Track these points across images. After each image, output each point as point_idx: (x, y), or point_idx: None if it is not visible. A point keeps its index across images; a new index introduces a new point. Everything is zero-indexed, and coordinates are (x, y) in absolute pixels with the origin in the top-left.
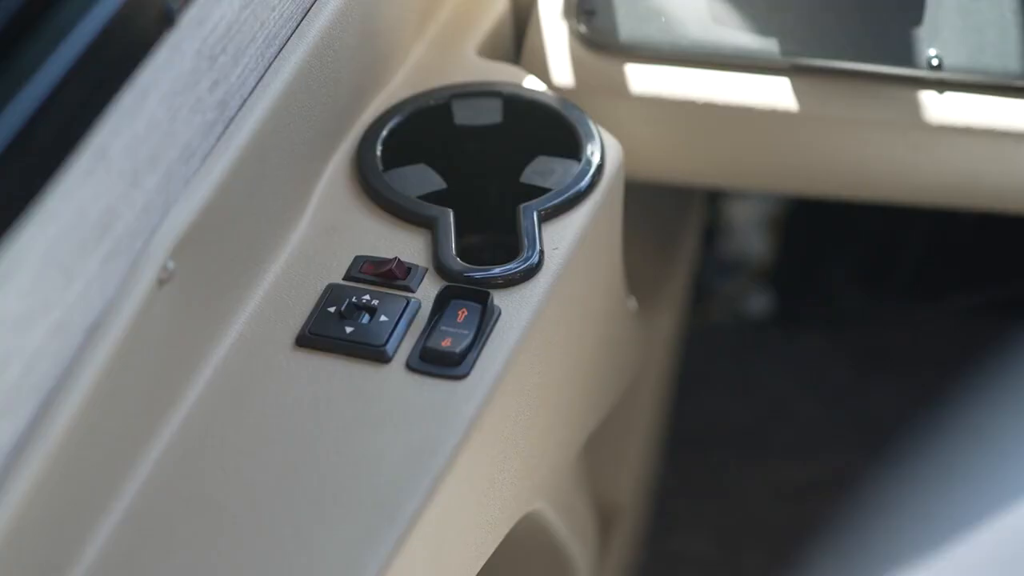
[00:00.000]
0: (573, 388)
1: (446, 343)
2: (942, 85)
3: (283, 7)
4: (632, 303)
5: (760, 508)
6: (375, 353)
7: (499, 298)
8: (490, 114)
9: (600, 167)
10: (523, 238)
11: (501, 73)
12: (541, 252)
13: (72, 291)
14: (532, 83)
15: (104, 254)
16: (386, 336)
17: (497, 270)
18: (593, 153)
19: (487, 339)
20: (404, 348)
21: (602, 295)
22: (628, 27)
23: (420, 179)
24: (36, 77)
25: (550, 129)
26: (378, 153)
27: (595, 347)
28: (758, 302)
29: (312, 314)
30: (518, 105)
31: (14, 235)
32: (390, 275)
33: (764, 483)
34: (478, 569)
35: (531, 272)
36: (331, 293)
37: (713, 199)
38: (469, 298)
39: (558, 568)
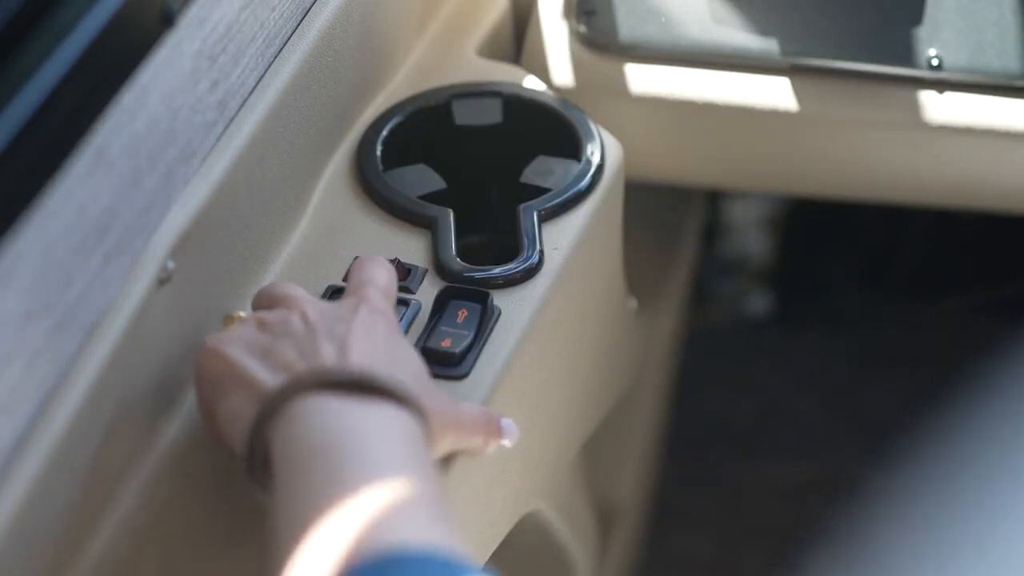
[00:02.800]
0: (573, 388)
1: (446, 343)
2: (942, 85)
3: (283, 7)
4: (632, 303)
5: (760, 508)
6: None
7: (499, 298)
8: (490, 114)
9: (600, 167)
10: (523, 238)
11: (501, 73)
12: (541, 252)
13: (72, 291)
14: (532, 83)
15: (104, 254)
16: None
17: (497, 270)
18: (593, 153)
19: (487, 339)
20: None
21: (602, 295)
22: (628, 27)
23: (420, 179)
24: (36, 77)
25: (550, 129)
26: (378, 153)
27: (595, 347)
28: (758, 302)
29: None
30: (518, 105)
31: (14, 235)
32: None
33: (764, 483)
34: None
35: (531, 272)
36: (331, 294)
37: (713, 199)
38: (469, 298)
39: (558, 568)
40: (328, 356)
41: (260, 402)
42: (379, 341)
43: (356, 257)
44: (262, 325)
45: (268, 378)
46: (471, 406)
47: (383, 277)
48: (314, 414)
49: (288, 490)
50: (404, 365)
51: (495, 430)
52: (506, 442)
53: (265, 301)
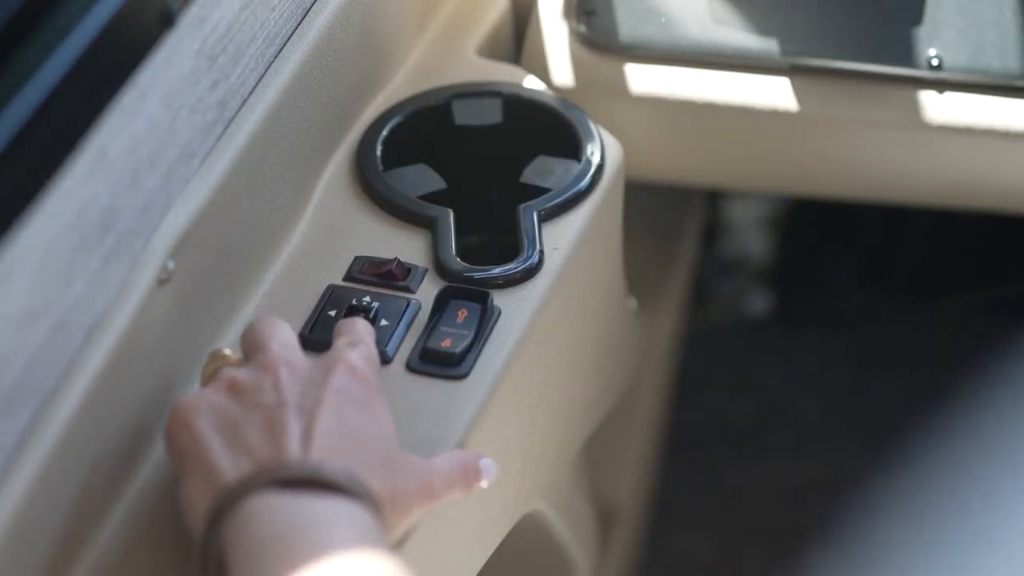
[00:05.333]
0: (573, 388)
1: (446, 343)
2: (942, 85)
3: (283, 7)
4: (632, 303)
5: (760, 508)
6: None
7: (499, 298)
8: (490, 114)
9: (600, 167)
10: (523, 238)
11: (501, 73)
12: (541, 252)
13: (72, 291)
14: (532, 83)
15: (104, 254)
16: (386, 337)
17: (497, 270)
18: (593, 153)
19: (487, 339)
20: (404, 349)
21: (602, 295)
22: (628, 27)
23: (420, 179)
24: (36, 77)
25: (550, 129)
26: (378, 153)
27: (595, 347)
28: (758, 302)
29: (312, 316)
30: (518, 105)
31: (14, 235)
32: (390, 276)
33: (764, 483)
34: (478, 569)
35: (531, 272)
36: (331, 294)
37: (713, 199)
38: (469, 298)
39: (558, 568)
40: (291, 442)
41: (216, 497)
42: (348, 414)
43: (342, 321)
44: (234, 390)
45: (228, 467)
46: (446, 460)
47: (363, 331)
48: (266, 513)
49: None
50: (370, 440)
51: (473, 476)
52: (484, 484)
53: (247, 344)
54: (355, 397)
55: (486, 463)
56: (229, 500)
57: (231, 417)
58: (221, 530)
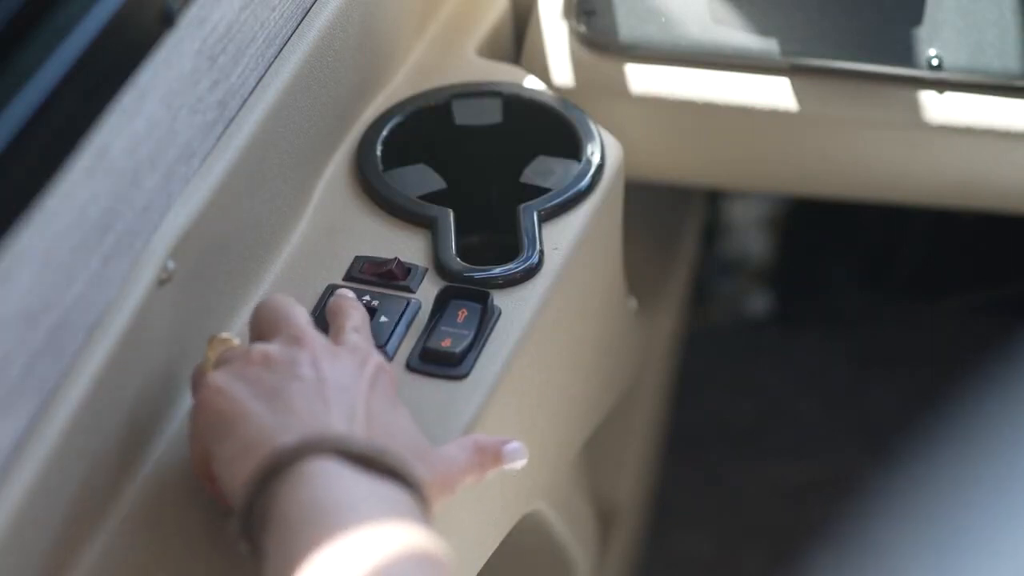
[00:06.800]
0: (573, 388)
1: (446, 343)
2: (942, 85)
3: (283, 7)
4: (632, 303)
5: (760, 508)
6: None
7: (499, 298)
8: (490, 114)
9: (600, 167)
10: (523, 238)
11: (501, 73)
12: (541, 252)
13: (72, 291)
14: (532, 83)
15: (104, 254)
16: (386, 337)
17: (497, 270)
18: (593, 153)
19: (487, 339)
20: (404, 348)
21: (602, 295)
22: (628, 27)
23: (420, 179)
24: (36, 77)
25: (550, 129)
26: (378, 153)
27: (595, 347)
28: (758, 302)
29: (312, 315)
30: (518, 105)
31: (14, 235)
32: (390, 275)
33: (764, 483)
34: (478, 569)
35: (531, 272)
36: (331, 294)
37: (713, 199)
38: (469, 298)
39: (558, 568)
40: (339, 420)
41: (270, 454)
42: (381, 407)
43: (335, 300)
44: (267, 362)
45: (276, 426)
46: (459, 449)
47: (360, 320)
48: (324, 481)
49: (289, 552)
50: (401, 434)
51: (490, 459)
52: (518, 464)
53: (265, 323)
54: (384, 393)
55: (514, 447)
56: (290, 458)
57: (269, 385)
58: (272, 486)
